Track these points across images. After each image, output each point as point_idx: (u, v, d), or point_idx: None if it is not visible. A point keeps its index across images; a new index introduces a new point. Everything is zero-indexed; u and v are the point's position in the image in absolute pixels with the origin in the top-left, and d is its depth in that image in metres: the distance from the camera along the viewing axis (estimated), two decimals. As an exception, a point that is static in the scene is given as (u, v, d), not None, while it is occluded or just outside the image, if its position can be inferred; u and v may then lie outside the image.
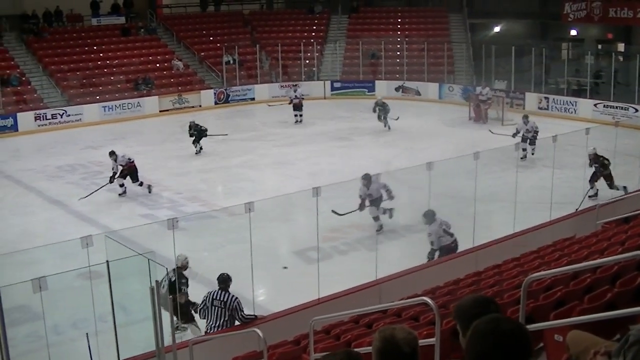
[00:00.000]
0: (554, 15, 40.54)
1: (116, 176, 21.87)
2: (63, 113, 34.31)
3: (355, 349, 5.86)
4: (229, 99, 39.02)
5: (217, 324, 11.65)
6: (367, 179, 17.80)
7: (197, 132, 26.95)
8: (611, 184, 19.46)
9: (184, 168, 25.22)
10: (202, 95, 38.51)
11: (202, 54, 41.74)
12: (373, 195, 17.84)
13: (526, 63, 35.95)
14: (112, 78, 37.96)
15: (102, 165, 25.63)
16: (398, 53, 41.43)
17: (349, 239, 17.38)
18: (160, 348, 9.17)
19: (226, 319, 11.69)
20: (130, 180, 22.06)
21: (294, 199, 16.80)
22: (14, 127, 32.96)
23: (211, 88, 39.30)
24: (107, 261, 10.08)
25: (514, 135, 24.27)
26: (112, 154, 22.14)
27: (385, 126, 30.28)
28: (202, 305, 11.91)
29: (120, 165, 21.91)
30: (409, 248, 16.29)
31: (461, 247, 14.65)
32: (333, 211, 17.35)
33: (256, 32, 44.41)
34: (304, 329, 9.66)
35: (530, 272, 9.02)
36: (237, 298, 11.79)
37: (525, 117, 24.92)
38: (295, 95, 32.88)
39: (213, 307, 11.73)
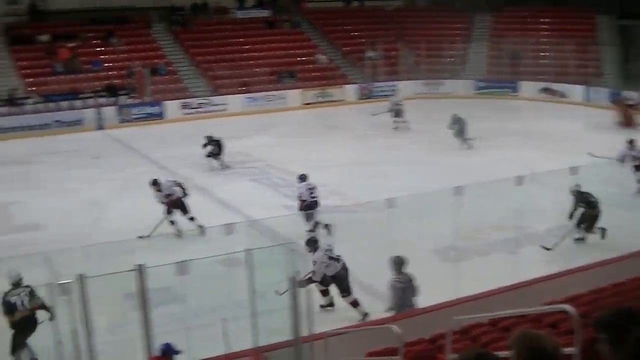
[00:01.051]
0: None
1: (168, 210, 18.16)
2: (208, 102, 35.24)
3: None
4: (372, 95, 39.12)
5: (409, 304, 12.04)
6: (301, 178, 18.00)
7: (217, 146, 24.83)
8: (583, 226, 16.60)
9: (325, 162, 25.26)
10: (345, 89, 38.86)
11: (345, 49, 41.97)
12: (302, 197, 17.88)
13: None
14: (256, 70, 38.70)
15: (245, 154, 26.14)
16: (542, 54, 40.54)
17: (489, 239, 17.15)
18: (297, 338, 9.29)
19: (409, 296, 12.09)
20: (180, 212, 18.33)
21: (433, 196, 16.65)
22: (161, 115, 34.04)
23: (354, 83, 39.56)
24: (248, 249, 10.24)
25: (619, 161, 20.55)
26: (154, 183, 18.46)
27: (464, 144, 27.38)
28: (400, 285, 12.03)
29: (167, 194, 18.28)
30: (550, 252, 15.93)
31: (604, 256, 14.18)
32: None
33: (399, 29, 44.36)
34: (440, 328, 9.59)
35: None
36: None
37: (631, 141, 21.05)
38: (395, 102, 31.45)
39: (402, 289, 12.02)
